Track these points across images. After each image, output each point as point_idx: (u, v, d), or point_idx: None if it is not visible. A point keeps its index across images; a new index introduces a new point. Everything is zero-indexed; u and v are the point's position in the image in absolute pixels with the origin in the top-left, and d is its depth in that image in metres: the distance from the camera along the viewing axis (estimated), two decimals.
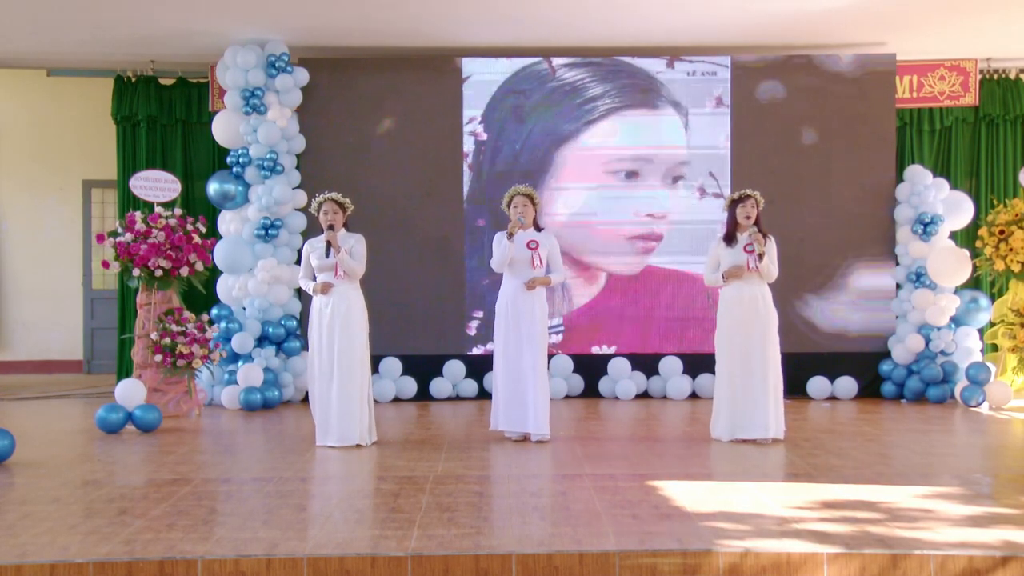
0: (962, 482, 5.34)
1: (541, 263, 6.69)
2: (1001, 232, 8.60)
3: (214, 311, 8.88)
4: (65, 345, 11.36)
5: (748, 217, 6.63)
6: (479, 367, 9.18)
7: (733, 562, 3.96)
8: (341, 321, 6.50)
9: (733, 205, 6.73)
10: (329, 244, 6.51)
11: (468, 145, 9.27)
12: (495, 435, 6.97)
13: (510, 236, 6.59)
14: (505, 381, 6.68)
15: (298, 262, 8.94)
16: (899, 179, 9.33)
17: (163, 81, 9.97)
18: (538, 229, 6.81)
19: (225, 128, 9.06)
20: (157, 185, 8.34)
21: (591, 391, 9.22)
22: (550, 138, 9.26)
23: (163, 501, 4.93)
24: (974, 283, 9.44)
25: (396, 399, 9.01)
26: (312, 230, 8.79)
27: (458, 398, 9.15)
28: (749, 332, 6.58)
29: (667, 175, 9.25)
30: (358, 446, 6.45)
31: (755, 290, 6.62)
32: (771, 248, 6.64)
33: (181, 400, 8.03)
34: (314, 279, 6.62)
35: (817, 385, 9.12)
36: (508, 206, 6.77)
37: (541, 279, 6.68)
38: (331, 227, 6.53)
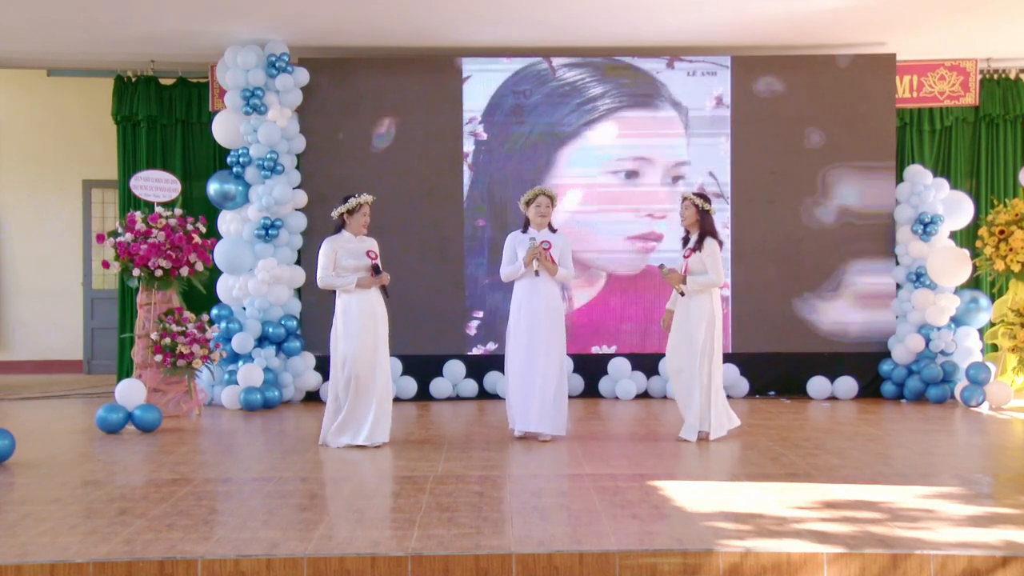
0: (962, 482, 5.35)
1: (554, 262, 6.71)
2: (1001, 232, 8.60)
3: (214, 311, 8.88)
4: (65, 345, 11.36)
5: (683, 219, 6.76)
6: (479, 367, 9.18)
7: (733, 562, 3.96)
8: (378, 322, 6.55)
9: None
10: (375, 268, 6.55)
11: (468, 145, 9.26)
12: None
13: (536, 273, 6.65)
14: (513, 380, 6.72)
15: (299, 262, 8.97)
16: (899, 179, 9.32)
17: (163, 81, 9.96)
18: (552, 230, 6.82)
19: (225, 128, 9.05)
20: (157, 185, 8.34)
21: (591, 391, 9.21)
22: (550, 138, 9.26)
23: (163, 501, 4.93)
24: (974, 283, 9.44)
25: (396, 399, 8.94)
26: (313, 230, 8.80)
27: (458, 398, 9.14)
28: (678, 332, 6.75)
29: (667, 175, 9.25)
30: (362, 447, 6.49)
31: (685, 300, 6.69)
32: (707, 256, 6.58)
33: (181, 400, 8.03)
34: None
35: (817, 385, 9.11)
36: (528, 204, 6.79)
37: (550, 265, 6.67)
38: (376, 268, 6.56)
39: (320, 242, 6.71)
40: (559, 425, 6.68)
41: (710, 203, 6.70)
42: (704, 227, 6.66)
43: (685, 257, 6.70)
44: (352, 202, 6.56)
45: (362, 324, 6.50)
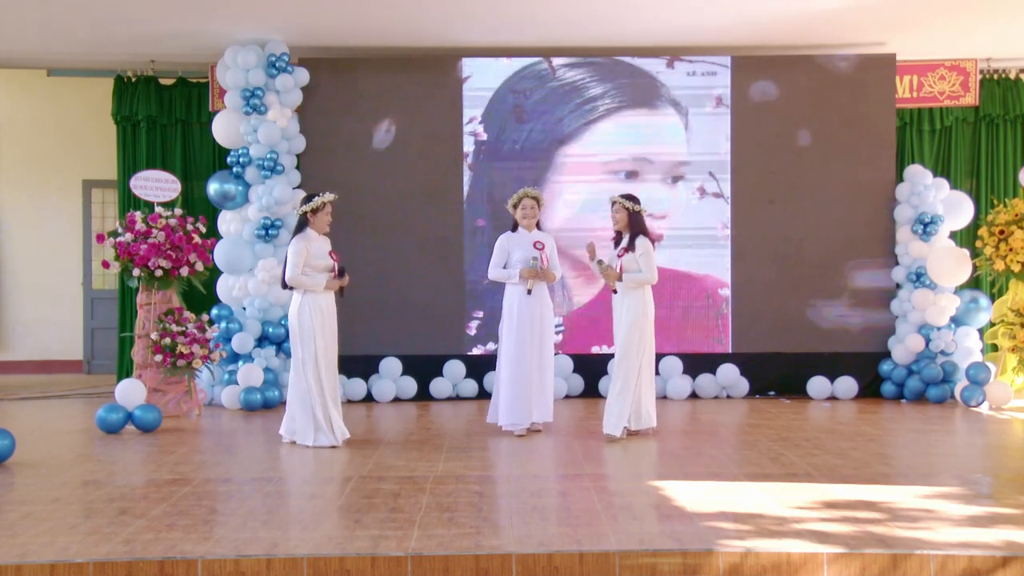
0: (962, 482, 5.35)
1: (547, 261, 7.03)
2: (1001, 232, 8.60)
3: (214, 311, 8.88)
4: (65, 345, 11.35)
5: (614, 222, 6.87)
6: (479, 367, 9.17)
7: (733, 562, 3.96)
8: (334, 322, 6.67)
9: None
10: (341, 271, 6.67)
11: (468, 145, 9.26)
12: (496, 434, 6.99)
13: (529, 292, 6.93)
14: (518, 377, 6.94)
15: None
16: (899, 179, 9.32)
17: (163, 81, 9.97)
18: (539, 229, 7.18)
19: (225, 128, 9.05)
20: (157, 185, 8.34)
21: (591, 391, 9.21)
22: (550, 138, 9.26)
23: (163, 501, 4.93)
24: (974, 283, 9.44)
25: (396, 399, 9.00)
26: None
27: (458, 398, 9.14)
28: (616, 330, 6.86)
29: (667, 175, 9.25)
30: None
31: (619, 299, 6.84)
32: (640, 255, 6.69)
33: (181, 400, 8.03)
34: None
35: (817, 385, 9.11)
36: (515, 207, 7.13)
37: (549, 274, 7.03)
38: (342, 272, 6.67)
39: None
40: (551, 411, 7.14)
41: (639, 204, 6.84)
42: (635, 227, 6.78)
43: (619, 256, 6.81)
44: (317, 201, 6.59)
45: (331, 324, 6.62)
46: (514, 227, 7.15)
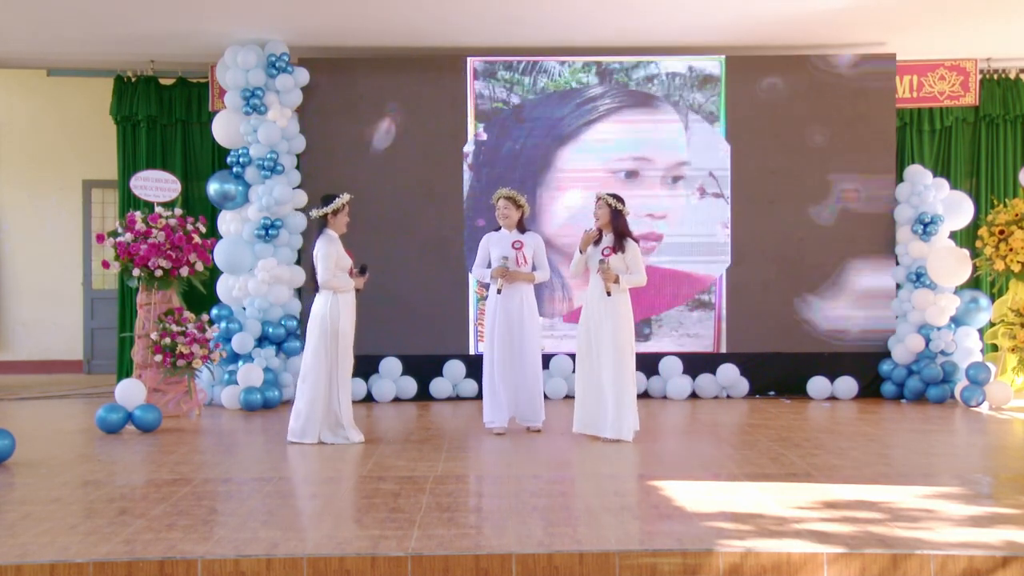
0: (962, 482, 5.35)
1: (525, 261, 7.04)
2: (1001, 232, 8.60)
3: (214, 311, 8.88)
4: (65, 345, 11.35)
5: (596, 218, 6.76)
6: (479, 367, 9.15)
7: (733, 562, 3.96)
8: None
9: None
10: (363, 268, 6.77)
11: (468, 145, 9.26)
12: (496, 434, 6.98)
13: (499, 291, 6.95)
14: (489, 375, 7.03)
15: (298, 262, 8.96)
16: (899, 179, 9.32)
17: (163, 81, 9.97)
18: (522, 231, 7.13)
19: (225, 128, 9.05)
20: (157, 185, 8.34)
21: None
22: (550, 138, 9.26)
23: (163, 501, 4.93)
24: (974, 283, 9.43)
25: (396, 399, 9.00)
26: (313, 230, 8.76)
27: (458, 398, 9.14)
28: (599, 331, 6.70)
29: (667, 175, 9.25)
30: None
31: (611, 299, 6.71)
32: (631, 257, 6.67)
33: (181, 400, 8.03)
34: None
35: (817, 385, 9.11)
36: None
37: (523, 274, 7.01)
38: (364, 270, 6.73)
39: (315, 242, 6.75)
40: (538, 414, 7.05)
41: (623, 203, 6.77)
42: (618, 227, 6.72)
43: (605, 256, 6.71)
44: (337, 202, 6.65)
45: (353, 324, 6.68)
46: (499, 226, 7.17)
